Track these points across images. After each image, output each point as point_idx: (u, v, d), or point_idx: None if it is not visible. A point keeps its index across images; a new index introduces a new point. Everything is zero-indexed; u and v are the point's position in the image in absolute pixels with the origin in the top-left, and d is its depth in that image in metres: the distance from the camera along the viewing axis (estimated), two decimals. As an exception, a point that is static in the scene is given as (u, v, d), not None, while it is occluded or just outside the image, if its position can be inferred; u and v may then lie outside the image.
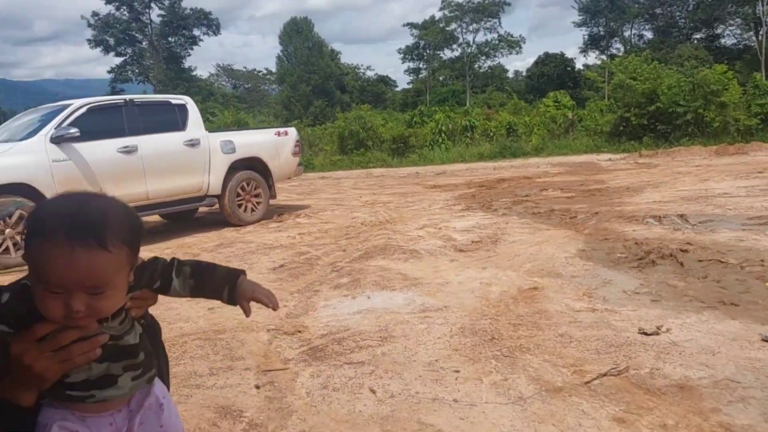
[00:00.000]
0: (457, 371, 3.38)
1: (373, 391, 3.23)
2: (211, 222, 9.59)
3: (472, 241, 6.69)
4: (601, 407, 2.83)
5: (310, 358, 3.76)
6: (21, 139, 7.27)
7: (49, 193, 7.07)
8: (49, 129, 7.27)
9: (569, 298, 4.51)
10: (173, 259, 1.19)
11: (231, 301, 1.21)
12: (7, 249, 6.73)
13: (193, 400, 3.28)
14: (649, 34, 53.24)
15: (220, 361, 3.80)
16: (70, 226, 0.95)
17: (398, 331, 4.09)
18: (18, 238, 6.87)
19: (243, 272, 1.23)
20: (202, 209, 9.89)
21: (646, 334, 3.68)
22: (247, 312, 1.21)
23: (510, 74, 64.18)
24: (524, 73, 62.36)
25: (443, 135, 21.25)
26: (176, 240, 8.22)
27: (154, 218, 9.94)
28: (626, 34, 54.31)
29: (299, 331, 4.24)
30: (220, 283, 1.20)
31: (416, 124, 23.60)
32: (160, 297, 1.23)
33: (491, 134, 21.48)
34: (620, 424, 2.67)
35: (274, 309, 1.24)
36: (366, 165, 19.60)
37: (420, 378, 3.34)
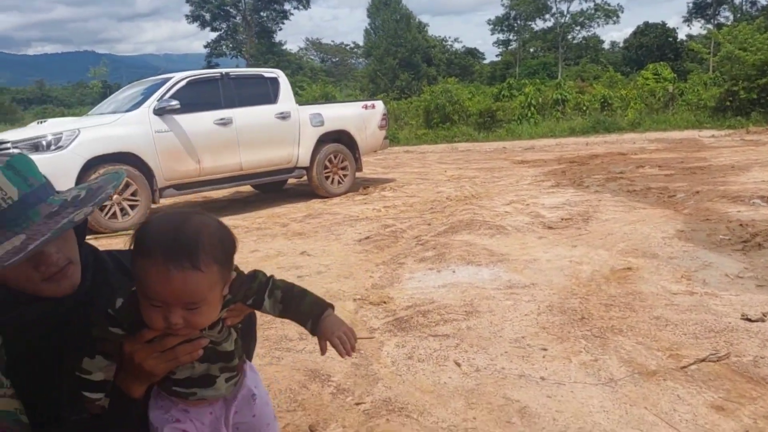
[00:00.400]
0: (545, 349, 3.32)
1: (458, 364, 3.23)
2: (299, 193, 9.84)
3: (562, 219, 6.51)
4: (698, 393, 2.70)
5: (395, 328, 3.82)
6: (127, 111, 7.71)
7: (152, 163, 7.50)
8: (152, 101, 7.67)
9: (666, 280, 4.31)
10: (270, 278, 1.22)
11: (314, 333, 1.22)
12: (114, 214, 7.20)
13: (284, 362, 3.41)
14: (762, 0, 49.06)
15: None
16: (167, 249, 1.03)
17: (484, 306, 4.06)
18: (125, 204, 7.33)
19: (331, 306, 1.24)
20: (290, 181, 10.17)
21: (750, 320, 3.47)
22: (322, 351, 1.21)
23: (606, 45, 61.25)
24: (621, 44, 59.34)
25: (532, 109, 20.64)
26: (267, 210, 8.50)
27: (246, 188, 10.33)
28: (736, 0, 50.33)
29: (384, 302, 4.30)
30: (306, 313, 1.22)
31: (504, 97, 23.04)
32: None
33: (584, 108, 20.64)
34: (719, 411, 2.54)
35: (343, 356, 1.21)
36: (451, 139, 19.39)
37: (506, 354, 3.31)
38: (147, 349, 1.10)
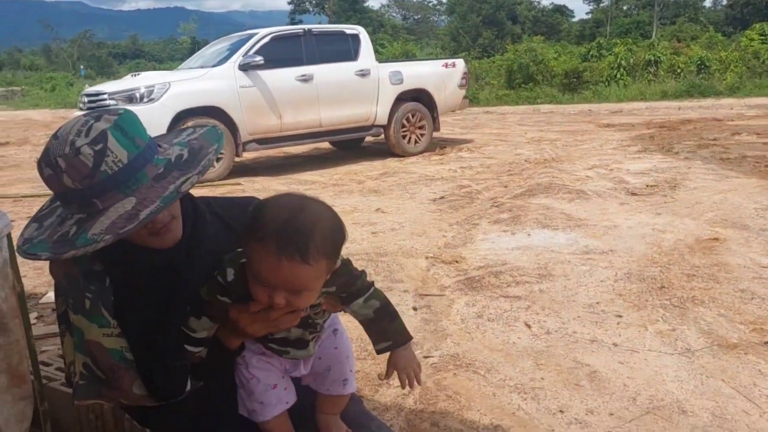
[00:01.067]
0: (620, 316, 3.25)
1: (529, 326, 3.22)
2: (376, 151, 9.90)
3: (647, 185, 6.24)
4: (784, 371, 2.58)
5: (466, 287, 3.83)
6: (213, 66, 7.95)
7: (236, 117, 7.73)
8: (238, 57, 7.86)
9: (756, 252, 4.08)
10: (372, 285, 1.25)
11: (381, 352, 1.25)
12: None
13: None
14: None
15: (380, 281, 4.00)
16: (280, 238, 1.05)
17: (558, 270, 4.00)
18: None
19: (411, 339, 1.27)
20: (368, 139, 10.23)
21: None
22: (387, 376, 1.26)
23: (707, 3, 57.03)
24: (724, 2, 55.04)
25: (622, 70, 19.63)
26: (344, 167, 8.62)
27: (324, 145, 10.49)
28: None
29: (456, 261, 4.32)
30: (389, 336, 1.24)
31: (593, 57, 22.01)
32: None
33: (678, 71, 19.42)
34: (805, 391, 2.42)
35: (404, 389, 1.30)
36: (534, 101, 18.81)
37: (578, 318, 3.26)
38: (251, 316, 1.17)
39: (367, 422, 1.39)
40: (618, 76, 19.52)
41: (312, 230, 1.07)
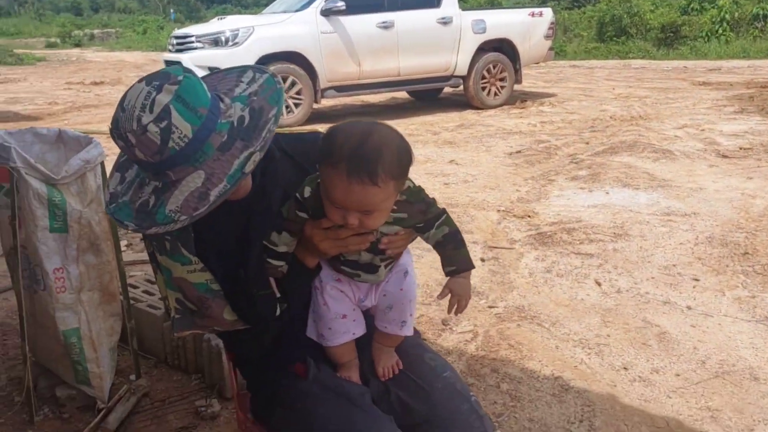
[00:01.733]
0: (697, 279, 3.13)
1: (599, 284, 3.17)
2: (453, 103, 9.74)
3: (741, 148, 5.87)
4: None
5: (537, 242, 3.79)
6: (296, 11, 7.98)
7: (316, 63, 7.78)
8: (320, 2, 7.85)
9: None
10: (443, 211, 1.29)
11: (448, 275, 1.32)
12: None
13: (423, 261, 3.55)
14: None
15: (450, 231, 4.00)
16: (350, 162, 1.11)
17: (635, 230, 3.88)
18: (290, 101, 7.74)
19: (472, 268, 1.33)
20: (446, 90, 10.07)
21: None
22: (442, 296, 1.32)
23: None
24: None
25: (725, 25, 18.19)
26: (420, 117, 8.55)
27: (401, 95, 10.42)
28: None
29: (529, 216, 4.26)
30: (455, 262, 1.30)
31: (693, 11, 20.48)
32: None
33: (790, 26, 17.82)
34: None
35: (449, 314, 1.34)
36: (625, 55, 17.80)
37: (652, 279, 3.17)
38: (325, 233, 1.24)
39: (421, 353, 1.43)
40: (720, 31, 18.12)
41: (380, 153, 1.12)
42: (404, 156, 1.17)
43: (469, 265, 1.31)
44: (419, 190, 1.26)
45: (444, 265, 1.31)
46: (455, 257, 1.29)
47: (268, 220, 1.28)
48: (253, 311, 1.29)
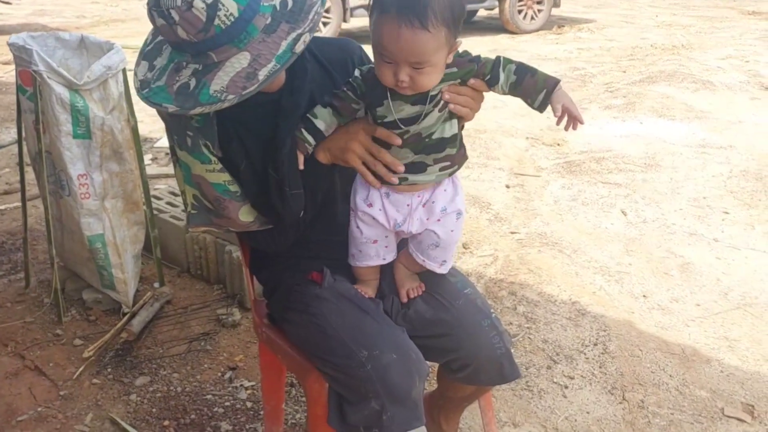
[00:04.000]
0: (727, 213, 3.06)
1: (625, 213, 3.11)
2: (487, 27, 9.39)
3: (787, 81, 5.59)
4: None
5: (564, 170, 3.71)
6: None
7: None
8: None
9: None
10: (498, 56, 1.21)
11: (542, 105, 1.19)
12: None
13: (447, 185, 3.52)
14: None
15: (476, 157, 3.95)
16: (400, 6, 1.06)
17: (667, 161, 3.77)
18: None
19: (560, 81, 1.20)
20: (480, 12, 9.69)
21: None
22: (559, 115, 1.18)
23: None
24: None
25: (784, -50, 17.02)
26: (452, 41, 8.29)
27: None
28: None
29: (558, 144, 4.16)
30: (540, 86, 1.19)
31: (750, -67, 19.15)
32: None
33: None
34: None
35: (581, 122, 1.19)
36: (672, -18, 16.89)
37: (680, 211, 3.11)
38: (368, 139, 1.21)
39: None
40: (778, -44, 16.95)
41: None
42: (457, 3, 1.12)
43: (555, 80, 1.20)
44: (466, 51, 1.20)
45: (532, 97, 1.19)
46: (539, 83, 1.19)
47: (296, 120, 1.24)
48: (286, 210, 1.26)
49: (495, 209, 3.23)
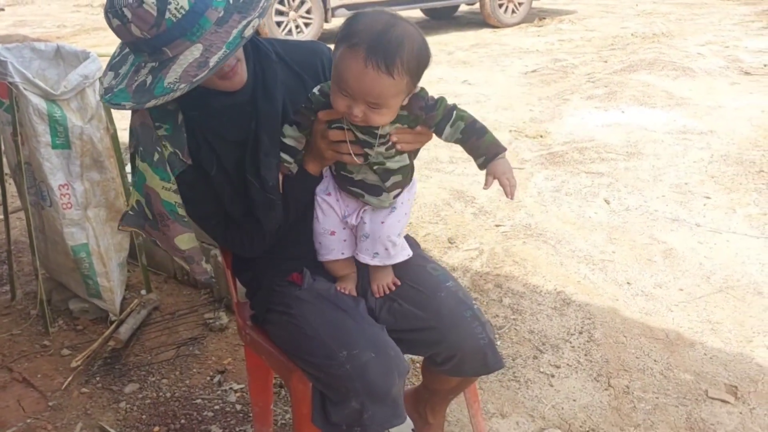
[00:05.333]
0: (708, 198, 3.09)
1: (608, 202, 3.14)
2: (469, 22, 9.41)
3: (766, 65, 5.64)
4: None
5: (548, 162, 3.74)
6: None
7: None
8: None
9: None
10: (453, 106, 1.23)
11: (481, 168, 1.24)
12: (290, 31, 7.47)
13: (432, 181, 3.54)
14: None
15: (460, 152, 3.92)
16: (370, 47, 1.08)
17: (648, 149, 3.80)
18: (300, 21, 7.53)
19: (505, 150, 1.24)
20: (462, 8, 9.71)
21: None
22: (487, 185, 1.23)
23: None
24: None
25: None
26: (434, 37, 8.29)
27: (415, 13, 10.08)
28: None
29: (541, 136, 4.19)
30: (482, 151, 1.23)
31: None
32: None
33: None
34: None
35: (508, 196, 1.23)
36: (651, -30, 16.98)
37: (662, 198, 3.14)
38: (323, 132, 1.23)
39: (423, 263, 1.43)
40: (755, -59, 17.08)
41: (401, 45, 1.10)
42: (424, 55, 1.14)
43: (499, 149, 1.23)
44: (424, 90, 1.22)
45: (475, 158, 1.24)
46: (481, 147, 1.22)
47: (274, 121, 1.27)
48: (266, 216, 1.29)
49: (479, 203, 3.24)
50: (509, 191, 1.22)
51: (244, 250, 1.39)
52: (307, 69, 1.36)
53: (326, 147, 1.24)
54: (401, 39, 1.10)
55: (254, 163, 1.26)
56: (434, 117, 1.21)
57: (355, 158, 1.23)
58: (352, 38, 1.10)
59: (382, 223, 1.33)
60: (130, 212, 1.35)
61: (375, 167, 1.25)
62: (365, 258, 1.36)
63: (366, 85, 1.10)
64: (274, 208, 1.28)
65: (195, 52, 1.11)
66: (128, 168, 3.11)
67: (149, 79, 1.13)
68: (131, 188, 1.36)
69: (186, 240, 1.34)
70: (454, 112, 1.22)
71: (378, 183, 1.27)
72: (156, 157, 1.26)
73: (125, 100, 1.15)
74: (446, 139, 1.24)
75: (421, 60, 1.14)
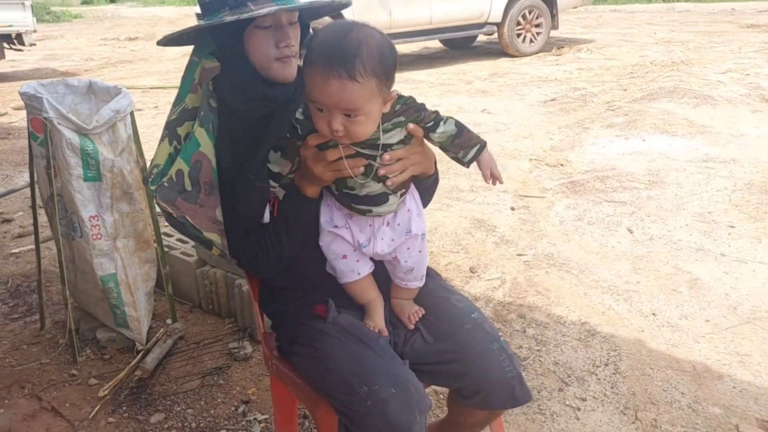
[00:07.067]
0: (732, 227, 3.06)
1: (631, 231, 3.12)
2: (487, 51, 9.51)
3: (788, 92, 5.61)
4: None
5: (569, 190, 3.74)
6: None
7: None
8: (349, -51, 7.65)
9: None
10: (436, 110, 1.27)
11: (468, 162, 1.29)
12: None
13: (452, 210, 3.55)
14: None
15: (480, 181, 3.95)
16: (327, 58, 1.10)
17: (671, 177, 3.79)
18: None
19: (485, 142, 1.30)
20: (480, 38, 9.82)
21: None
22: (487, 177, 1.28)
23: None
24: None
25: (779, -38, 17.16)
26: (453, 67, 8.39)
27: (434, 44, 10.21)
28: None
29: (561, 165, 4.19)
30: (474, 142, 1.28)
31: (744, -52, 19.34)
32: None
33: None
34: None
35: (494, 184, 1.30)
36: (669, -2, 17.04)
37: (686, 227, 3.11)
38: (316, 156, 1.24)
39: (447, 295, 1.44)
40: (773, -32, 17.09)
41: (357, 48, 1.11)
42: (386, 52, 1.15)
43: (483, 141, 1.29)
44: (411, 97, 1.24)
45: (465, 153, 1.27)
46: (473, 138, 1.27)
47: (283, 125, 1.29)
48: (246, 203, 1.31)
49: (501, 232, 3.25)
50: (494, 179, 1.29)
51: (258, 267, 1.39)
52: None
53: (324, 169, 1.23)
54: (357, 43, 1.11)
55: (251, 154, 1.31)
56: (430, 115, 1.24)
57: (359, 167, 1.23)
58: (310, 55, 1.13)
59: (420, 252, 1.37)
60: (166, 184, 1.33)
61: (375, 174, 1.25)
62: (416, 283, 1.41)
63: (334, 95, 1.11)
64: (257, 196, 1.31)
65: (272, 6, 1.26)
66: (158, 206, 3.15)
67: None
68: (170, 157, 1.35)
69: (221, 212, 1.36)
70: (439, 113, 1.26)
71: (382, 190, 1.27)
72: (212, 125, 1.32)
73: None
74: (439, 138, 1.25)
75: (384, 59, 1.14)
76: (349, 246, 1.36)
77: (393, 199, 1.29)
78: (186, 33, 1.35)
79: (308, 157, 1.24)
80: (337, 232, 1.34)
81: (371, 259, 1.40)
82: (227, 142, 1.35)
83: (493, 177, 1.28)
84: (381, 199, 1.28)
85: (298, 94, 1.36)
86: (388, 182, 1.24)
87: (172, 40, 1.38)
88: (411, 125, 1.23)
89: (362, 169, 1.23)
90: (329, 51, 1.11)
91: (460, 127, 1.26)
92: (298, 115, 1.24)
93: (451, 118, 1.26)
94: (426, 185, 1.40)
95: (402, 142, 1.24)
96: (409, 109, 1.23)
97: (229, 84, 1.35)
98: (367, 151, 1.22)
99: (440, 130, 1.24)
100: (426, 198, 1.43)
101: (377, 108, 1.16)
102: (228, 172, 1.34)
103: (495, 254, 3.01)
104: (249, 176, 1.29)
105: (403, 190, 1.31)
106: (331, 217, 1.35)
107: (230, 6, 1.28)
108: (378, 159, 1.22)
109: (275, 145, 1.27)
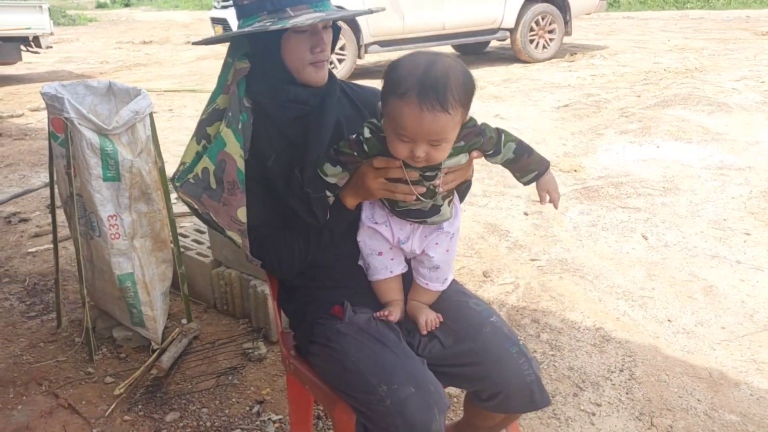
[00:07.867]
0: (748, 234, 3.04)
1: (645, 238, 3.11)
2: (500, 57, 9.52)
3: (804, 100, 5.57)
4: None
5: (582, 196, 3.73)
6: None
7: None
8: (363, -46, 7.70)
9: None
10: (500, 130, 1.29)
11: (528, 183, 1.33)
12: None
13: (466, 214, 3.55)
14: None
15: (494, 186, 3.99)
16: (420, 91, 1.12)
17: (685, 184, 3.77)
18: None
19: (549, 164, 1.34)
20: (493, 43, 9.82)
21: None
22: (544, 201, 1.33)
23: None
24: None
25: (794, -30, 17.05)
26: (466, 72, 8.39)
27: (446, 49, 10.22)
28: None
29: (575, 170, 4.18)
30: (533, 167, 1.31)
31: (759, -45, 19.23)
32: None
33: None
34: None
35: (555, 207, 1.36)
36: (682, 5, 16.94)
37: (701, 234, 3.10)
38: (376, 173, 1.27)
39: (465, 299, 1.44)
40: (789, -24, 16.98)
41: (447, 80, 1.14)
42: (468, 81, 1.18)
43: (547, 163, 1.32)
44: (472, 119, 1.27)
45: (522, 175, 1.32)
46: (532, 163, 1.30)
47: (323, 132, 1.34)
48: (305, 211, 1.33)
49: (514, 237, 3.25)
50: (555, 202, 1.34)
51: (281, 269, 1.41)
52: (367, 106, 1.47)
53: (379, 187, 1.27)
54: (446, 74, 1.14)
55: (302, 160, 1.33)
56: (491, 141, 1.26)
57: (415, 195, 1.26)
58: (399, 87, 1.15)
59: (448, 251, 1.39)
60: (191, 180, 1.34)
61: (430, 193, 1.27)
62: (437, 286, 1.41)
63: (426, 127, 1.14)
64: (316, 206, 1.32)
65: (315, 17, 1.26)
66: (176, 208, 3.16)
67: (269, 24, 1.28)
68: (198, 156, 1.36)
69: (244, 212, 1.36)
70: (504, 134, 1.28)
71: (434, 202, 1.30)
72: (240, 125, 1.33)
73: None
74: (500, 161, 1.29)
75: (468, 88, 1.18)
76: (386, 243, 1.38)
77: (444, 209, 1.33)
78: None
79: (368, 172, 1.28)
80: (377, 228, 1.37)
81: (405, 260, 1.42)
82: (265, 142, 1.37)
83: (551, 201, 1.33)
84: (433, 210, 1.32)
85: (329, 98, 1.38)
86: (438, 190, 1.27)
87: (208, 41, 1.43)
88: (475, 153, 1.28)
89: (414, 197, 1.26)
90: (420, 83, 1.13)
91: (519, 153, 1.29)
92: (367, 133, 1.27)
93: (512, 142, 1.28)
94: (461, 188, 1.42)
95: (458, 162, 1.28)
96: (470, 133, 1.25)
97: (263, 84, 1.37)
98: (427, 173, 1.25)
99: (500, 156, 1.29)
100: (460, 198, 1.46)
101: (456, 133, 1.21)
102: (276, 170, 1.36)
103: (508, 259, 3.01)
104: (307, 190, 1.31)
105: (450, 197, 1.34)
106: (372, 214, 1.38)
107: (269, 10, 1.29)
108: (437, 180, 1.25)
109: (334, 159, 1.30)
